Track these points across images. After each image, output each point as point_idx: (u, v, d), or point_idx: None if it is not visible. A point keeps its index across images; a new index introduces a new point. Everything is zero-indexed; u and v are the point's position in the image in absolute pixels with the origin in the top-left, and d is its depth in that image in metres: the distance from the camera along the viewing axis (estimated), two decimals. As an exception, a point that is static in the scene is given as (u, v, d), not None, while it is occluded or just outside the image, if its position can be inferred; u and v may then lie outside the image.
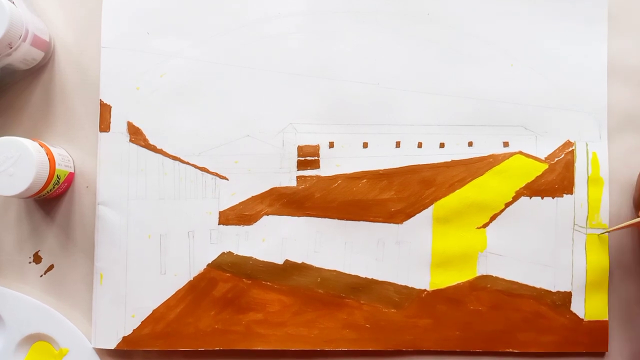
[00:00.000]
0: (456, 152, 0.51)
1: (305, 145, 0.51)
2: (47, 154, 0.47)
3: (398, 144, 0.51)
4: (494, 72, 0.52)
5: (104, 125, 0.51)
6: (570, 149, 0.52)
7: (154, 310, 0.50)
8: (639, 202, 0.50)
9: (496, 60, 0.52)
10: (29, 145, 0.46)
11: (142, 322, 0.50)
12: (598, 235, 0.51)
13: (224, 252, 0.51)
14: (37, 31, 0.49)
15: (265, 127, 0.51)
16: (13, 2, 0.47)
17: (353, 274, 0.51)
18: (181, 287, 0.50)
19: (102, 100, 0.51)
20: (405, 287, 0.51)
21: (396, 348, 0.51)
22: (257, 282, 0.51)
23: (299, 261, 0.51)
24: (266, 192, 0.51)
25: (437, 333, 0.51)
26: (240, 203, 0.51)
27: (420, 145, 0.51)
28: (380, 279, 0.51)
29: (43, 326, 0.50)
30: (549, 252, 0.51)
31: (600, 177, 0.51)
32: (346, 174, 0.51)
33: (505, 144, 0.52)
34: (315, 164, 0.51)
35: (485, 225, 0.51)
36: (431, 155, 0.51)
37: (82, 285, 0.51)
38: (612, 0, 0.52)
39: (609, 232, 0.50)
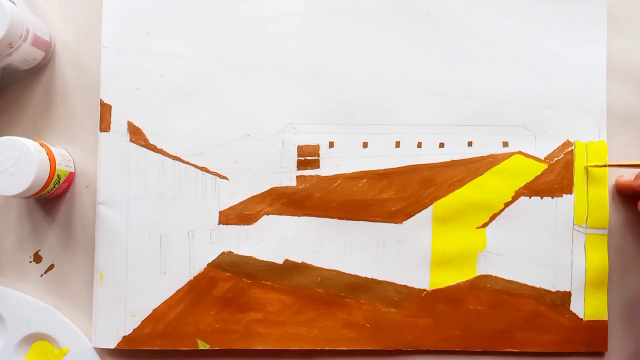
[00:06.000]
0: (456, 152, 0.52)
1: (305, 145, 0.51)
2: (47, 154, 0.47)
3: (398, 144, 0.51)
4: (494, 72, 0.52)
5: (104, 125, 0.51)
6: (570, 148, 0.52)
7: (154, 310, 0.50)
8: None
9: (496, 60, 0.52)
10: (30, 145, 0.46)
11: (142, 322, 0.50)
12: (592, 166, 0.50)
13: (224, 252, 0.51)
14: (38, 31, 0.49)
15: (265, 127, 0.51)
16: (13, 2, 0.47)
17: (353, 273, 0.51)
18: (181, 286, 0.50)
19: (102, 100, 0.51)
20: (405, 286, 0.51)
21: (396, 347, 0.51)
22: (257, 282, 0.51)
23: (299, 261, 0.51)
24: (266, 191, 0.51)
25: (436, 333, 0.51)
26: (240, 203, 0.51)
27: (419, 145, 0.51)
28: (380, 279, 0.51)
29: (43, 325, 0.50)
30: (548, 252, 0.51)
31: (599, 176, 0.51)
32: (346, 173, 0.51)
33: (505, 144, 0.52)
34: (315, 164, 0.51)
35: (484, 225, 0.51)
36: (431, 155, 0.51)
37: (83, 285, 0.51)
38: (612, 0, 0.52)
39: (608, 166, 0.50)
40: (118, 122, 0.51)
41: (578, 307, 0.51)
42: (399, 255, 0.51)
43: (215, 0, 0.51)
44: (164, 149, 0.51)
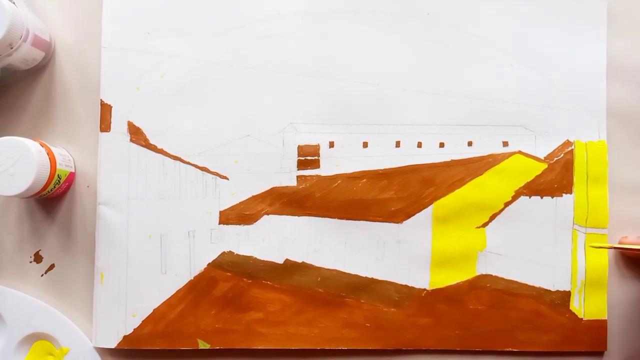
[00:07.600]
0: (456, 151, 0.52)
1: (305, 145, 0.51)
2: (47, 154, 0.47)
3: (398, 144, 0.51)
4: (494, 72, 0.52)
5: (105, 125, 0.51)
6: (570, 148, 0.52)
7: (154, 310, 0.50)
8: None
9: (496, 60, 0.52)
10: (30, 145, 0.46)
11: (142, 322, 0.50)
12: (595, 247, 0.51)
13: (224, 252, 0.51)
14: (38, 31, 0.49)
15: (265, 127, 0.51)
16: (13, 3, 0.47)
17: (353, 273, 0.51)
18: (182, 286, 0.51)
19: (102, 100, 0.51)
20: (405, 286, 0.51)
21: (396, 347, 0.51)
22: (258, 282, 0.51)
23: (299, 260, 0.51)
24: (266, 191, 0.51)
25: (436, 332, 0.51)
26: (240, 203, 0.51)
27: (420, 145, 0.52)
28: (380, 278, 0.51)
29: (44, 325, 0.50)
30: (548, 252, 0.51)
31: (599, 176, 0.51)
32: (346, 173, 0.51)
33: (505, 144, 0.52)
34: (315, 164, 0.51)
35: (484, 225, 0.51)
36: (431, 155, 0.51)
37: (83, 285, 0.51)
38: (612, 0, 0.52)
39: (603, 247, 0.50)
40: (118, 122, 0.51)
41: (578, 306, 0.51)
42: (399, 255, 0.51)
43: (215, 0, 0.51)
44: (164, 149, 0.51)
